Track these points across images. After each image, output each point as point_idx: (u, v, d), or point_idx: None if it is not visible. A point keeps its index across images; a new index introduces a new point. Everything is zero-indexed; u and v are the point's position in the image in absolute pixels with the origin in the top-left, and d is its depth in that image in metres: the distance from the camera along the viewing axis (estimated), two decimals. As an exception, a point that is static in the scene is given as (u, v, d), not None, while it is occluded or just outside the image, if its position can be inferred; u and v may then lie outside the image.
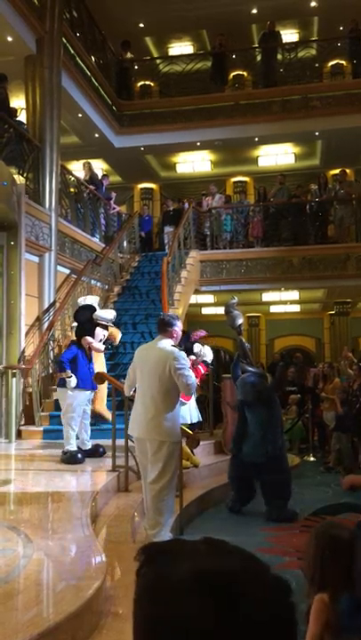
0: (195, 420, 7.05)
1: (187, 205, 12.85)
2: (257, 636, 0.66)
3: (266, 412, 5.90)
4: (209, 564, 0.70)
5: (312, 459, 9.37)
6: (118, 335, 7.69)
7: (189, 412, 6.83)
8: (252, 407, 5.94)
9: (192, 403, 6.86)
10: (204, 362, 7.67)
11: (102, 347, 6.79)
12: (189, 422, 6.83)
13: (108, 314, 6.91)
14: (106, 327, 6.72)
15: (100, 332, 6.61)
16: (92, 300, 7.04)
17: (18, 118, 9.85)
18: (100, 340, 6.62)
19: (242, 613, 0.66)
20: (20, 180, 8.19)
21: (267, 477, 5.71)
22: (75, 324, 7.15)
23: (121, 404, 5.97)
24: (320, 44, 14.15)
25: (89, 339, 6.44)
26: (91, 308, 6.81)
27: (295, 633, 0.71)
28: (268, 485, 5.74)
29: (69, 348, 6.45)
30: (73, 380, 6.05)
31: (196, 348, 7.51)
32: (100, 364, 6.99)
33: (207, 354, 7.62)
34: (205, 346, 7.76)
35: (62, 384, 6.23)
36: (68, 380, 6.06)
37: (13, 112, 9.84)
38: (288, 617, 0.69)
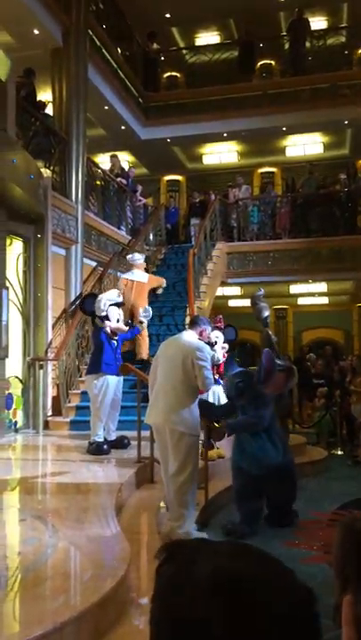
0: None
1: (213, 197, 12.77)
2: None
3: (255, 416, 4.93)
4: (228, 566, 0.68)
5: (340, 452, 9.26)
6: (163, 281, 8.80)
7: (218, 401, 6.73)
8: (242, 410, 5.02)
9: (221, 393, 6.74)
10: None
11: (123, 326, 6.65)
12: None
13: (112, 294, 6.74)
14: (118, 305, 6.59)
15: (115, 312, 6.51)
16: (112, 294, 6.90)
17: (44, 111, 9.89)
18: (118, 320, 6.53)
19: (258, 619, 0.64)
20: (46, 172, 8.24)
21: (271, 489, 5.00)
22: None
23: (146, 395, 5.96)
24: (349, 30, 13.88)
25: (107, 322, 6.43)
26: (93, 296, 6.83)
27: None
28: (273, 496, 5.06)
29: (98, 341, 6.46)
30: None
31: (213, 336, 7.08)
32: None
33: (219, 336, 7.17)
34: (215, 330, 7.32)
35: (92, 370, 6.26)
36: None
37: (41, 105, 9.89)
38: (308, 627, 0.67)
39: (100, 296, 6.67)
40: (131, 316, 7.90)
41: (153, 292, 8.82)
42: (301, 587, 0.69)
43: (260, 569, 0.69)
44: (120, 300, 6.75)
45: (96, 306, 6.50)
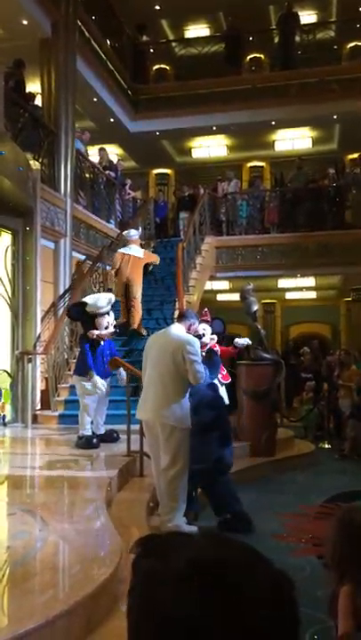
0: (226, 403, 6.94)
1: (202, 191, 12.75)
2: (253, 630, 0.64)
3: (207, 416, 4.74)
4: (205, 555, 0.68)
5: (327, 446, 9.35)
6: (157, 259, 9.06)
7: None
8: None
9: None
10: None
11: (109, 331, 6.48)
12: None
13: (102, 301, 6.52)
14: (107, 313, 6.42)
15: (104, 321, 6.35)
16: (93, 298, 6.75)
17: (34, 102, 9.79)
18: (107, 328, 6.37)
19: (238, 607, 0.64)
20: (35, 165, 8.18)
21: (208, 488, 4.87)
22: None
23: (135, 389, 5.98)
24: (339, 25, 13.89)
25: (94, 332, 6.36)
26: (81, 303, 6.68)
27: (296, 632, 0.68)
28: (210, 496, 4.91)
29: (82, 348, 6.39)
30: (98, 381, 6.08)
31: (201, 329, 7.05)
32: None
33: (206, 328, 7.15)
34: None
35: (79, 373, 6.24)
36: (93, 382, 6.07)
37: (30, 97, 9.79)
38: (288, 614, 0.67)
39: (98, 295, 6.58)
40: (125, 290, 8.33)
41: (145, 268, 8.89)
42: (280, 574, 0.70)
43: (237, 557, 0.69)
44: (106, 307, 6.49)
45: (96, 304, 6.40)
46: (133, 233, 8.94)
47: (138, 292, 8.39)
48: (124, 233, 9.28)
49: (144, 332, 8.14)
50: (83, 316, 6.45)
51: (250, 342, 7.28)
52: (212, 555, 0.69)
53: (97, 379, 6.11)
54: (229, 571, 0.66)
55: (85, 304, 6.46)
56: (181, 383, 4.15)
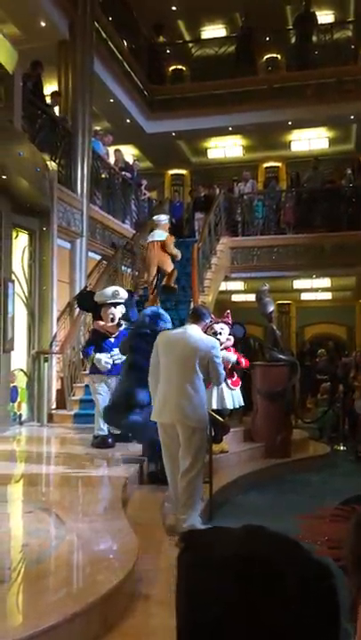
0: (237, 405, 6.98)
1: (218, 191, 12.74)
2: (297, 617, 0.66)
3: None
4: (248, 548, 0.70)
5: (342, 448, 9.28)
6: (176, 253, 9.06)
7: (232, 397, 6.78)
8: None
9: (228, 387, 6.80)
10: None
11: (114, 323, 6.38)
12: (231, 408, 6.79)
13: (108, 290, 6.57)
14: (113, 305, 6.36)
15: (109, 312, 6.32)
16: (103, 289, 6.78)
17: (58, 101, 9.79)
18: (112, 319, 6.32)
19: (282, 595, 0.66)
20: (52, 166, 8.23)
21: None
22: None
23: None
24: (356, 25, 13.80)
25: (100, 322, 6.37)
26: (89, 292, 6.74)
27: (338, 615, 0.70)
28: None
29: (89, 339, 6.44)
30: (102, 358, 6.09)
31: (218, 328, 7.07)
32: None
33: (224, 328, 7.14)
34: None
35: (93, 371, 6.27)
36: (97, 361, 6.09)
37: (55, 96, 9.71)
38: (330, 600, 0.69)
39: (96, 296, 6.57)
40: (157, 273, 8.87)
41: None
42: (320, 562, 0.71)
43: (279, 548, 0.71)
44: (114, 298, 6.43)
45: (102, 293, 6.44)
46: (163, 218, 9.30)
47: (169, 267, 8.97)
48: (154, 217, 9.62)
49: (175, 286, 9.02)
50: (90, 305, 6.46)
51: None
52: (255, 548, 0.71)
53: (101, 356, 6.13)
54: (271, 562, 0.68)
55: (93, 293, 6.51)
56: (200, 384, 4.15)
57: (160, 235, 9.01)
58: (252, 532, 0.75)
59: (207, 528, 0.82)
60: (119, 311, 6.35)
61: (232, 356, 6.74)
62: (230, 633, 0.66)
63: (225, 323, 6.96)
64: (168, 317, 5.36)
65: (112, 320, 6.30)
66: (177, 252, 9.27)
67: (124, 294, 6.50)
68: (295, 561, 0.70)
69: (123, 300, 6.42)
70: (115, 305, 6.35)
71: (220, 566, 0.68)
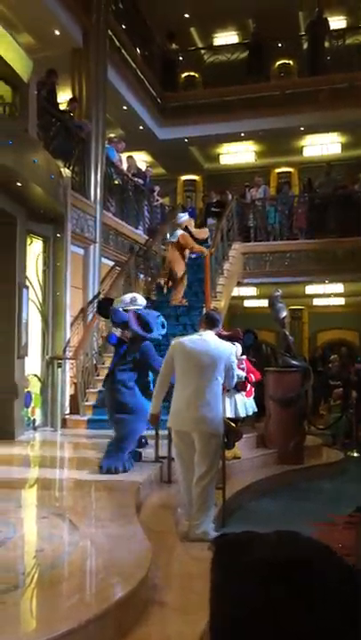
0: (250, 413, 7.01)
1: (230, 197, 12.77)
2: (334, 621, 0.68)
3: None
4: (282, 552, 0.72)
5: (356, 454, 9.23)
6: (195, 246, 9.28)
7: (245, 405, 6.81)
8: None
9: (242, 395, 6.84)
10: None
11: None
12: (244, 415, 6.81)
13: (126, 297, 6.54)
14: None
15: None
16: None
17: (75, 106, 9.87)
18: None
19: (317, 600, 0.68)
20: (66, 172, 8.30)
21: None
22: None
23: (166, 394, 5.99)
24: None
25: (117, 330, 6.39)
26: (110, 299, 6.76)
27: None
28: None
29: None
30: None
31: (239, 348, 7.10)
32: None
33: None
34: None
35: None
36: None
37: (73, 102, 9.78)
38: (356, 603, 0.71)
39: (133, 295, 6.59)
40: (169, 274, 9.27)
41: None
42: (350, 567, 0.74)
43: (313, 553, 0.73)
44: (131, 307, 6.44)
45: (121, 299, 6.47)
46: (181, 215, 9.65)
47: (180, 271, 9.19)
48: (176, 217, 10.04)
49: (185, 303, 9.25)
50: (108, 313, 6.48)
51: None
52: (288, 552, 0.73)
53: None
54: (305, 567, 0.70)
55: (112, 300, 6.56)
56: (218, 390, 4.15)
57: (175, 235, 9.30)
58: (288, 536, 0.77)
59: (240, 533, 0.84)
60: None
61: (241, 373, 6.77)
62: (263, 633, 0.68)
63: (237, 339, 6.93)
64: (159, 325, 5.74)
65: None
66: (199, 237, 9.56)
67: (142, 301, 6.52)
68: (332, 565, 0.72)
69: (140, 307, 6.43)
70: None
71: (260, 569, 0.70)
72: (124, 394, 5.47)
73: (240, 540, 0.77)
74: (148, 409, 5.20)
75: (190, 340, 4.29)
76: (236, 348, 6.75)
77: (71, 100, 9.73)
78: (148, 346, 5.62)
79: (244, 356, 7.02)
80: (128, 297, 6.56)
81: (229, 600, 0.71)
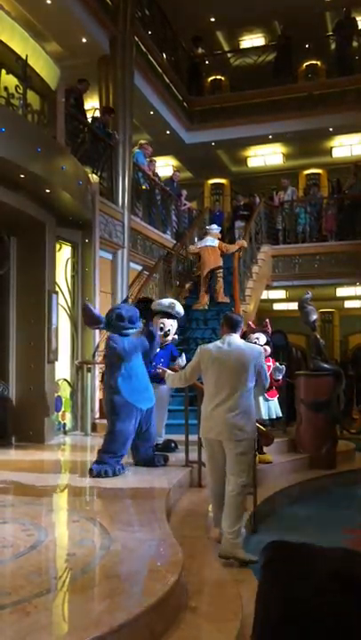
0: (274, 416, 6.93)
1: (258, 200, 12.70)
2: None
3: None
4: (349, 566, 0.75)
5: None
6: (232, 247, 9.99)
7: (268, 408, 6.74)
8: None
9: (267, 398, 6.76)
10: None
11: (161, 333, 6.33)
12: (268, 418, 6.75)
13: (165, 300, 6.62)
14: (166, 315, 6.34)
15: (160, 321, 6.29)
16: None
17: (112, 116, 9.90)
18: (161, 329, 6.26)
19: None
20: (94, 179, 8.36)
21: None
22: None
23: (193, 398, 5.97)
24: None
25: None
26: (149, 299, 6.81)
27: None
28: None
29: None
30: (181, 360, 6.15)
31: (254, 337, 6.86)
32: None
33: (260, 337, 7.04)
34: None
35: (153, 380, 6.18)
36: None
37: (109, 111, 9.80)
38: None
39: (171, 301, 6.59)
40: (210, 272, 9.76)
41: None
42: None
43: None
44: (168, 309, 6.43)
45: (160, 302, 6.48)
46: (215, 227, 10.34)
47: (218, 272, 9.89)
48: (207, 227, 10.69)
49: (227, 300, 9.64)
50: (145, 313, 6.44)
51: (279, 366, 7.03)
52: (350, 566, 0.75)
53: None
54: None
55: (152, 300, 6.56)
56: (251, 395, 4.07)
57: (212, 241, 9.90)
58: (351, 552, 0.79)
59: (299, 543, 0.85)
60: (170, 323, 6.37)
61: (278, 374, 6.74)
62: (314, 633, 0.70)
63: (263, 332, 6.89)
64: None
65: (160, 329, 6.28)
66: (234, 247, 10.13)
67: (179, 309, 6.49)
68: None
69: (177, 314, 6.43)
70: (168, 316, 6.36)
71: (322, 581, 0.72)
72: (105, 394, 5.55)
73: (297, 551, 0.79)
74: (136, 404, 5.37)
75: (215, 346, 4.18)
76: (267, 349, 6.67)
77: (106, 109, 9.74)
78: (112, 337, 5.52)
79: (268, 352, 6.80)
80: (167, 301, 6.55)
81: (286, 607, 0.73)
